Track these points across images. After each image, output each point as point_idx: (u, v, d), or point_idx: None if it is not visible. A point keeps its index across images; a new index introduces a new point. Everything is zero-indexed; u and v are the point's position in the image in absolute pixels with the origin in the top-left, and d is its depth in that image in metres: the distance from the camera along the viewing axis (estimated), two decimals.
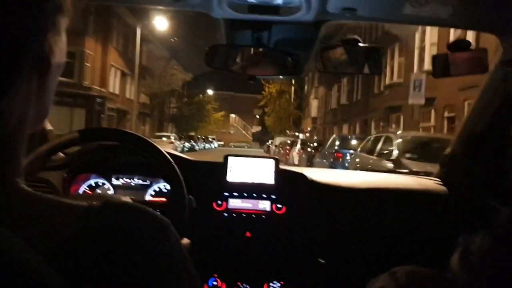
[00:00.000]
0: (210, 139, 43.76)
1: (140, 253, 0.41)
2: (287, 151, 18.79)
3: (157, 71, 33.12)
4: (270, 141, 32.83)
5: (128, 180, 1.48)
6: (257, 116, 65.18)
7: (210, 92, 47.29)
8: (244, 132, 66.14)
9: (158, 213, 0.47)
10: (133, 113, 22.23)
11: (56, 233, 0.38)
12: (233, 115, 65.21)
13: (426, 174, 1.72)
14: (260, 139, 54.54)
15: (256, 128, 64.52)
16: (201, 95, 43.43)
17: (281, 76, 1.60)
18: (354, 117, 25.56)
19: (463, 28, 1.33)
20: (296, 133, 36.60)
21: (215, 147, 43.69)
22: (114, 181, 1.48)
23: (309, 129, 39.06)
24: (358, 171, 1.99)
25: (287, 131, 40.02)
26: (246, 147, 52.27)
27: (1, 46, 0.38)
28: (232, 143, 54.92)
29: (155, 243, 0.43)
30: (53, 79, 0.46)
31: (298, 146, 16.83)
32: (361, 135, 15.77)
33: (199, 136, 38.44)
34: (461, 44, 1.40)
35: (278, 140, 27.30)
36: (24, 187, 0.43)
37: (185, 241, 1.06)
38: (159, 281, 0.42)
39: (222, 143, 52.09)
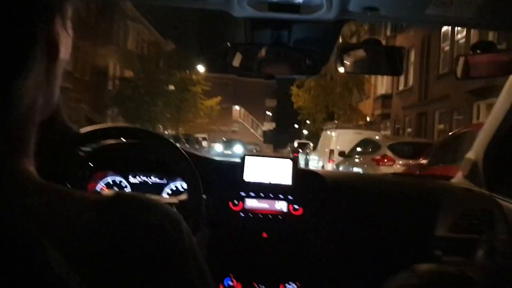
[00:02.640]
0: (200, 139, 28.45)
1: (150, 246, 0.41)
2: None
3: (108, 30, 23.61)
4: (296, 142, 23.42)
5: (145, 178, 1.49)
6: (268, 113, 51.37)
7: (200, 69, 30.00)
8: (252, 130, 49.77)
9: (170, 207, 0.46)
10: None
11: (68, 224, 0.38)
12: (236, 107, 48.41)
13: (448, 178, 1.69)
14: (274, 140, 44.25)
15: (269, 126, 50.83)
16: (187, 73, 27.55)
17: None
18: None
19: (487, 28, 1.31)
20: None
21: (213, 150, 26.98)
22: (132, 179, 1.48)
23: (368, 119, 24.07)
24: (377, 173, 1.97)
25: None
26: (254, 150, 31.67)
27: (13, 30, 0.38)
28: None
29: (166, 236, 0.43)
30: (60, 66, 0.47)
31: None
32: None
33: (180, 136, 23.84)
34: (484, 46, 1.37)
35: (335, 136, 12.93)
36: (35, 176, 0.43)
37: (204, 231, 1.05)
38: (169, 275, 0.41)
39: (220, 145, 32.58)
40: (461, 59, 1.42)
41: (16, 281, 0.31)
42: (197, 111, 29.37)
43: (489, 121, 1.47)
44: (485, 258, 0.55)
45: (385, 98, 22.21)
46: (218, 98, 31.68)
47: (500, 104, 1.44)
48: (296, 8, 1.20)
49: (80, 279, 0.35)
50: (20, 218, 0.35)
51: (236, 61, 1.39)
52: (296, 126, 43.79)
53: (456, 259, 1.30)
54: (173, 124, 28.17)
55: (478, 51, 1.38)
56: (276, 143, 42.08)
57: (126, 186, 1.48)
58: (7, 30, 0.38)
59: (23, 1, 0.39)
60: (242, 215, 1.44)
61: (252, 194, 1.45)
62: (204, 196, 1.12)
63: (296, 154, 16.85)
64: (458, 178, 1.60)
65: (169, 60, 26.12)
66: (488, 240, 0.57)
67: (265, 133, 49.84)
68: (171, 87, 26.01)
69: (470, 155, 1.52)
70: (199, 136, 29.90)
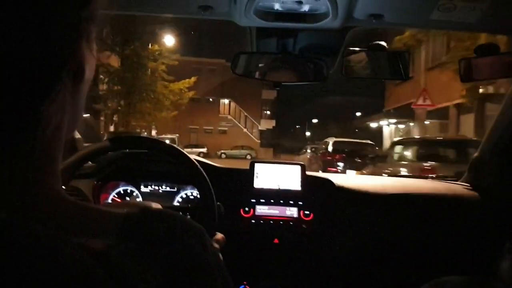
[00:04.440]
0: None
1: (178, 260, 0.42)
2: None
3: None
4: (310, 149, 15.75)
5: (156, 187, 1.50)
6: (266, 110, 38.43)
7: (168, 42, 20.00)
8: (245, 130, 37.00)
9: (193, 220, 0.48)
10: None
11: (98, 241, 0.39)
12: (225, 101, 36.69)
13: (455, 179, 1.70)
14: (274, 142, 34.92)
15: (267, 124, 37.64)
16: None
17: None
18: None
19: (491, 32, 1.32)
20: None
21: None
22: (143, 189, 1.50)
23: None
24: (385, 177, 1.97)
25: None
26: (248, 157, 28.82)
27: (42, 53, 0.39)
28: (222, 150, 30.81)
29: (193, 250, 0.44)
30: (85, 86, 0.48)
31: None
32: None
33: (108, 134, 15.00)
34: (488, 48, 1.39)
35: None
36: (65, 195, 0.44)
37: (219, 236, 1.06)
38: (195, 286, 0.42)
39: (203, 150, 28.15)
40: (464, 62, 1.43)
41: None
42: (157, 98, 19.48)
43: (496, 120, 1.48)
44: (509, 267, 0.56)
45: None
46: (192, 80, 20.49)
47: (507, 103, 1.45)
48: (302, 17, 1.22)
49: None
50: (51, 236, 0.37)
51: (241, 70, 1.41)
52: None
53: (468, 267, 1.31)
54: (122, 116, 19.25)
55: (481, 54, 1.40)
56: (277, 147, 33.76)
57: (137, 196, 1.50)
58: (36, 54, 0.39)
59: (53, 25, 0.40)
60: (253, 221, 1.45)
61: (262, 200, 1.46)
62: (219, 204, 1.13)
63: (332, 169, 10.85)
64: (465, 178, 1.61)
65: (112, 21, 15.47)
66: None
67: (262, 134, 37.35)
68: (113, 62, 17.95)
69: (478, 155, 1.53)
70: (168, 137, 21.06)
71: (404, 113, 16.35)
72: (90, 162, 1.43)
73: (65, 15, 0.41)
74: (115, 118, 19.56)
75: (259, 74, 1.43)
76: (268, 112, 39.72)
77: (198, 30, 28.25)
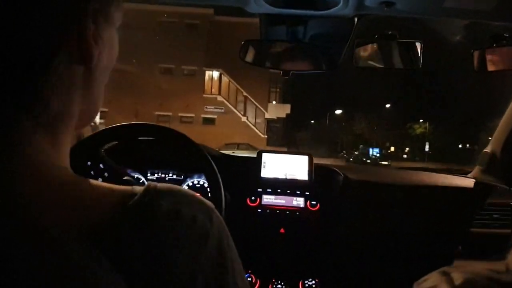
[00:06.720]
0: None
1: (179, 233, 0.41)
2: None
3: None
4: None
5: (162, 175, 1.50)
6: (276, 88, 24.04)
7: None
8: (244, 118, 23.76)
9: (203, 198, 0.47)
10: None
11: (100, 214, 0.39)
12: (214, 73, 23.70)
13: (463, 172, 1.68)
14: (290, 141, 24.05)
15: (277, 111, 24.33)
16: None
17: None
18: None
19: (508, 21, 1.29)
20: None
21: None
22: (150, 176, 1.50)
23: None
24: (392, 169, 1.96)
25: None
26: None
27: (36, 29, 0.39)
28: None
29: (198, 223, 0.43)
30: (100, 75, 0.48)
31: None
32: None
33: None
34: (501, 39, 1.36)
35: None
36: (71, 172, 0.44)
37: None
38: (197, 261, 0.41)
39: None
40: (477, 53, 1.41)
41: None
42: None
43: (507, 115, 1.45)
44: None
45: None
46: None
47: None
48: (312, 4, 1.20)
49: (120, 276, 0.36)
50: (57, 211, 0.37)
51: (249, 58, 1.39)
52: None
53: (481, 254, 1.30)
54: None
55: (495, 45, 1.37)
56: (292, 146, 23.89)
57: (144, 183, 1.50)
58: (30, 30, 0.39)
59: (55, 6, 0.40)
60: (260, 211, 1.44)
61: (269, 190, 1.46)
62: (226, 194, 1.13)
63: None
64: (475, 172, 1.59)
65: None
66: None
67: (270, 125, 24.58)
68: None
69: (488, 149, 1.51)
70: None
71: None
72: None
73: None
74: None
75: (268, 62, 1.41)
76: (280, 92, 24.62)
77: None
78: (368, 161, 27.49)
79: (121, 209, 0.40)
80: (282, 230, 1.44)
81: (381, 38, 1.38)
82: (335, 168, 1.54)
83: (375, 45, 1.41)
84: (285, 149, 20.02)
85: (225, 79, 23.68)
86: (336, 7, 1.18)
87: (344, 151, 30.65)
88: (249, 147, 19.42)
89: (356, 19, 1.30)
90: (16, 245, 0.34)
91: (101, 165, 1.16)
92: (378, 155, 29.16)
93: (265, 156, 1.49)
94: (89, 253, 0.36)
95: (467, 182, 1.54)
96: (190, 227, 0.42)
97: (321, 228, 1.44)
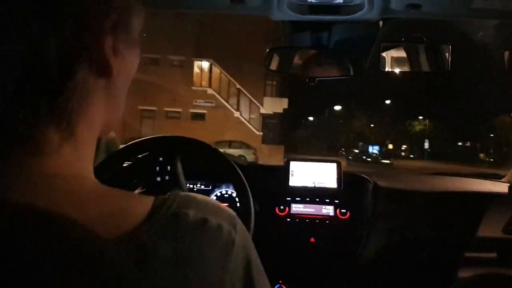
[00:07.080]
0: None
1: (207, 242, 0.42)
2: None
3: None
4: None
5: (191, 186, 1.51)
6: (273, 81, 22.04)
7: None
8: (237, 114, 21.84)
9: (228, 208, 0.47)
10: None
11: (130, 224, 0.39)
12: (203, 64, 21.83)
13: (496, 177, 1.63)
14: (285, 139, 23.18)
15: (274, 105, 22.57)
16: None
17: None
18: None
19: None
20: None
21: None
22: None
23: None
24: (424, 175, 1.91)
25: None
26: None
27: (56, 43, 0.40)
28: None
29: (223, 231, 0.43)
30: (121, 85, 0.49)
31: None
32: None
33: None
34: None
35: None
36: (98, 183, 0.44)
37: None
38: (224, 270, 0.42)
39: None
40: (507, 53, 1.37)
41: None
42: None
43: None
44: None
45: None
46: None
47: None
48: (336, 10, 1.19)
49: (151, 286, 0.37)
50: (88, 223, 0.37)
51: (275, 65, 1.39)
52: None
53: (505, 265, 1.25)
54: None
55: None
56: (290, 145, 22.52)
57: None
58: (50, 44, 0.39)
59: (67, 18, 0.40)
60: (289, 220, 1.43)
61: (297, 199, 1.44)
62: (255, 203, 1.12)
63: None
64: (509, 177, 1.54)
65: None
66: None
67: (265, 122, 22.63)
68: None
69: None
70: None
71: None
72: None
73: (79, 8, 0.41)
74: None
75: (293, 69, 1.41)
76: (276, 85, 22.78)
77: None
78: (369, 159, 27.20)
79: (149, 218, 0.40)
80: (312, 240, 1.42)
81: (408, 41, 1.36)
82: (364, 175, 1.52)
83: (401, 48, 1.39)
84: (282, 147, 20.21)
85: (216, 70, 21.65)
86: (361, 12, 1.17)
87: (343, 149, 30.46)
88: (242, 145, 18.00)
89: (381, 23, 1.29)
90: (51, 258, 0.34)
91: (168, 167, 1.17)
92: (378, 153, 28.72)
93: (293, 164, 1.48)
94: (122, 264, 0.36)
95: (501, 187, 1.49)
96: (217, 236, 0.43)
97: (351, 236, 1.41)
